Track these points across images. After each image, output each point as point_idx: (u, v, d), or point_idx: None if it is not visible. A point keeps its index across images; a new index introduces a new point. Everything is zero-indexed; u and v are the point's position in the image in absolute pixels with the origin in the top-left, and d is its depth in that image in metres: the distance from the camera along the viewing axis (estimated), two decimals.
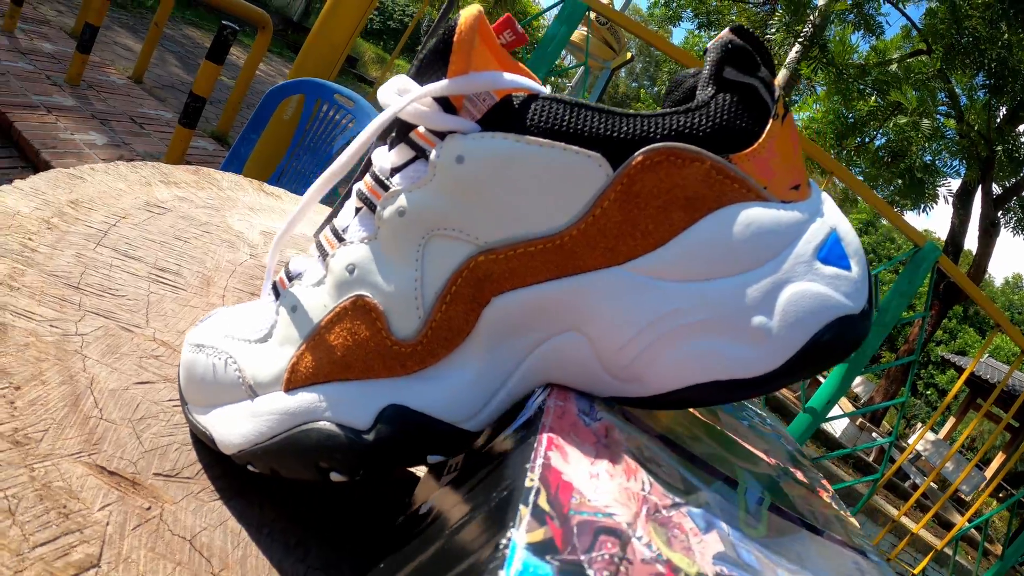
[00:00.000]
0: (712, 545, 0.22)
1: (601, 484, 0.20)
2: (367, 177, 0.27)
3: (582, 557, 0.16)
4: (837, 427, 6.59)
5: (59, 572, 0.26)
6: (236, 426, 0.30)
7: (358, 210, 0.28)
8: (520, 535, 0.15)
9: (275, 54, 8.10)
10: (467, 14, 0.25)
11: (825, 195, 0.29)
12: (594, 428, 0.24)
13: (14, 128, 2.38)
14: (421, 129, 0.26)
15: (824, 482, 0.38)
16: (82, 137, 2.59)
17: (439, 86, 0.25)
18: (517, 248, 0.25)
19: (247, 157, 1.98)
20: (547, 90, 0.27)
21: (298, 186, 1.87)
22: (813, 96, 8.19)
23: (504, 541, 0.15)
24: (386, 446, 0.26)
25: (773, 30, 7.52)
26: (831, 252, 0.27)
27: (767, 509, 0.27)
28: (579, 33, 3.44)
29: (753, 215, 0.26)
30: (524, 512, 0.16)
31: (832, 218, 0.28)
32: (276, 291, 0.30)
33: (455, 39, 0.25)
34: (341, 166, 0.27)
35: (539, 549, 0.15)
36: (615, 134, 0.25)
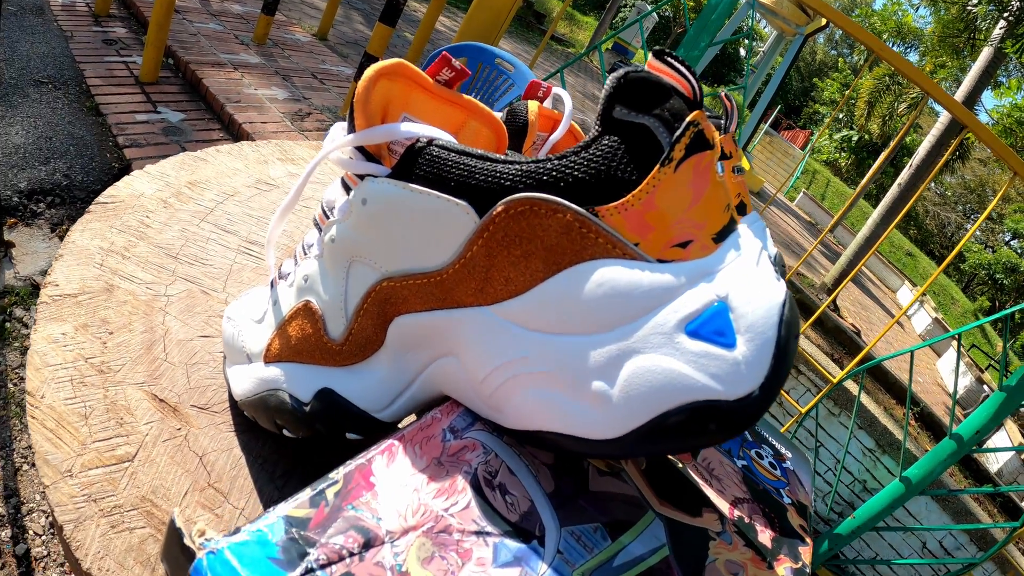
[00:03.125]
0: None
1: (400, 494, 0.24)
2: (320, 206, 0.35)
3: (319, 538, 0.20)
4: (1000, 459, 5.88)
5: (105, 460, 0.37)
6: (239, 381, 0.39)
7: (319, 230, 0.36)
8: (286, 507, 0.21)
9: (461, 8, 8.37)
10: (365, 75, 0.28)
11: (748, 253, 0.25)
12: (448, 445, 0.27)
13: (202, 84, 2.73)
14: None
15: (801, 551, 0.37)
16: (264, 92, 2.89)
17: (346, 139, 0.29)
18: (408, 279, 0.29)
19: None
20: (445, 136, 0.29)
21: None
22: (1020, 79, 7.07)
23: (273, 508, 0.21)
24: (317, 418, 0.33)
25: (975, 2, 6.56)
26: (706, 325, 0.24)
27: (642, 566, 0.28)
28: None
29: (609, 275, 0.25)
30: (306, 493, 0.22)
31: (725, 285, 0.24)
32: (272, 284, 0.39)
33: (354, 100, 0.28)
34: (294, 194, 0.33)
35: (292, 521, 0.20)
36: (482, 183, 0.26)
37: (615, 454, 0.26)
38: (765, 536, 0.36)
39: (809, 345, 1.92)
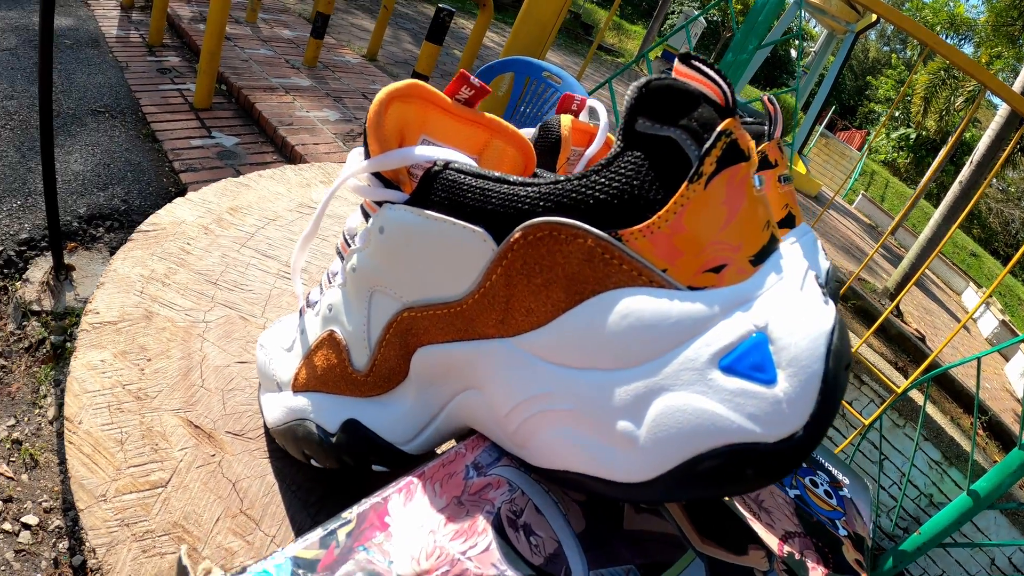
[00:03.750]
0: None
1: (417, 536, 0.23)
2: (343, 234, 0.34)
3: None
4: None
5: (140, 485, 0.37)
6: (270, 409, 0.39)
7: (341, 258, 0.35)
8: (295, 547, 0.20)
9: (508, 23, 8.44)
10: (377, 99, 0.27)
11: (791, 275, 0.23)
12: (470, 483, 0.26)
13: (255, 108, 2.82)
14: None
15: None
16: (316, 114, 2.96)
17: (359, 166, 0.28)
18: (429, 310, 0.28)
19: None
20: (463, 158, 0.28)
21: None
22: None
23: (282, 548, 0.20)
24: (343, 449, 0.32)
25: None
26: (743, 360, 0.22)
27: None
28: None
29: (634, 305, 0.23)
30: (316, 533, 0.21)
31: (764, 314, 0.22)
32: (301, 312, 0.39)
33: (366, 125, 0.27)
34: (313, 223, 0.33)
35: (300, 563, 0.20)
36: (499, 207, 0.25)
37: (644, 499, 0.24)
38: (817, 573, 0.34)
39: (871, 354, 1.84)
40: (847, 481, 0.45)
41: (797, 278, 0.23)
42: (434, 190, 0.27)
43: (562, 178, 0.24)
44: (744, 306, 0.22)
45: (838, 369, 0.22)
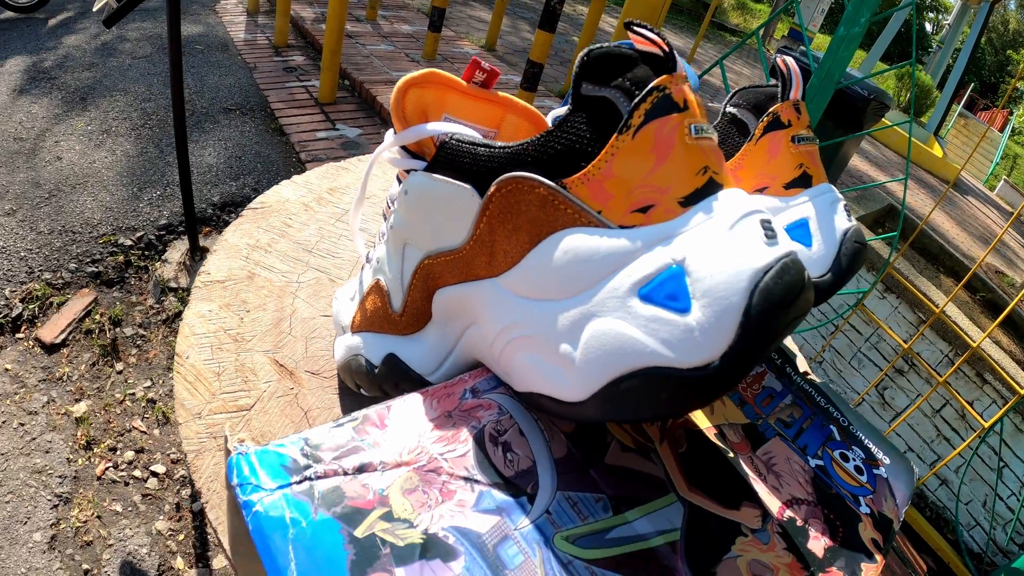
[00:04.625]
0: (465, 519, 0.25)
1: (406, 435, 0.28)
2: (387, 199, 0.41)
3: (324, 457, 0.26)
4: None
5: (228, 407, 0.46)
6: (337, 349, 0.47)
7: (385, 219, 0.42)
8: (309, 432, 0.26)
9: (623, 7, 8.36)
10: (396, 86, 0.33)
11: (723, 216, 0.25)
12: (464, 402, 0.31)
13: (376, 101, 3.00)
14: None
15: (864, 567, 0.34)
16: None
17: (387, 142, 0.34)
18: (441, 256, 0.33)
19: None
20: (467, 131, 0.32)
21: None
22: None
23: (300, 432, 0.27)
24: (384, 379, 0.39)
25: None
26: (659, 289, 0.24)
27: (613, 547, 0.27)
28: None
29: (573, 242, 0.26)
30: (329, 424, 0.27)
31: (683, 249, 0.24)
32: (363, 268, 0.46)
33: (391, 107, 0.33)
34: (361, 190, 0.40)
35: (308, 442, 0.26)
36: (482, 167, 0.29)
37: (585, 417, 0.27)
38: (819, 544, 0.34)
39: (997, 351, 1.72)
40: (887, 460, 0.44)
41: (729, 219, 0.24)
42: (442, 158, 0.32)
43: (528, 140, 0.28)
44: (665, 242, 0.25)
45: (767, 307, 0.23)
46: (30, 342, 1.61)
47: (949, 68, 9.01)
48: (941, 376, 1.53)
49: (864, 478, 0.41)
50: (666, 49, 0.26)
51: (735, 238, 0.24)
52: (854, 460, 0.42)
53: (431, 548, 0.24)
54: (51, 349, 1.60)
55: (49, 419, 1.44)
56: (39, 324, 1.65)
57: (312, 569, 0.22)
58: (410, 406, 0.30)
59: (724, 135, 0.45)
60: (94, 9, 1.47)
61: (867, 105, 2.24)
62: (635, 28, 0.26)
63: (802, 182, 0.43)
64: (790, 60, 0.44)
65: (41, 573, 1.16)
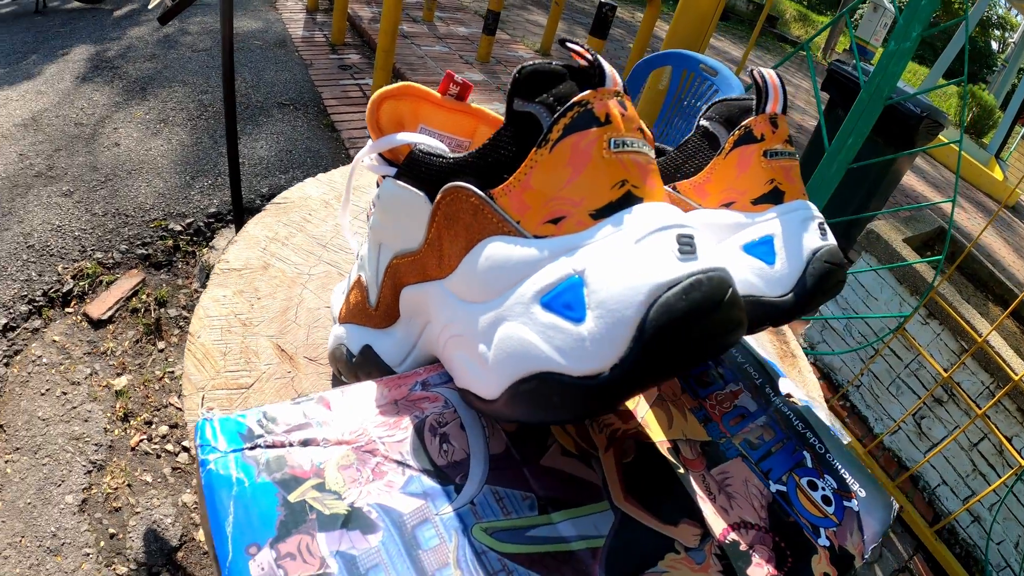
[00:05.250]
0: (391, 498, 0.28)
1: (351, 417, 0.31)
2: (371, 202, 0.45)
3: (276, 428, 0.29)
4: None
5: (229, 384, 0.51)
6: (330, 338, 0.51)
7: (368, 219, 0.46)
8: (269, 406, 0.30)
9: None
10: (371, 98, 0.35)
11: (632, 231, 0.25)
12: (413, 393, 0.34)
13: None
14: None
15: None
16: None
17: (363, 150, 0.37)
18: (405, 257, 0.36)
19: None
20: (432, 142, 0.35)
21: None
22: None
23: (262, 405, 0.31)
24: (360, 367, 0.42)
25: None
26: (558, 298, 0.25)
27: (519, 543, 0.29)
28: None
29: (493, 250, 0.28)
30: (288, 401, 0.31)
31: (584, 260, 0.25)
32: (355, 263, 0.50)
33: (366, 117, 0.36)
34: (346, 193, 0.44)
35: (267, 415, 0.29)
36: (434, 176, 0.32)
37: (499, 416, 0.28)
38: (761, 571, 0.33)
39: None
40: (862, 493, 0.42)
41: (637, 233, 0.25)
42: (406, 166, 0.35)
43: (470, 152, 0.31)
44: (570, 252, 0.26)
45: (666, 322, 0.23)
46: (78, 317, 1.71)
47: (1014, 88, 8.64)
48: (980, 408, 1.50)
49: (831, 509, 0.39)
50: (595, 65, 0.27)
51: (639, 252, 0.24)
52: (823, 489, 0.40)
53: (353, 520, 0.27)
54: (98, 325, 1.70)
55: (91, 390, 1.53)
56: (88, 300, 1.76)
57: (246, 524, 0.26)
58: (363, 392, 0.34)
59: (695, 148, 0.44)
60: (149, 7, 1.56)
61: (919, 123, 2.19)
62: (567, 44, 0.28)
63: (772, 198, 0.42)
64: (768, 72, 0.43)
65: (69, 533, 1.25)
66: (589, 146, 0.26)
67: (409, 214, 0.35)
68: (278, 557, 0.25)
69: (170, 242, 2.02)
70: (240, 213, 2.00)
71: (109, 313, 1.74)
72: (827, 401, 1.99)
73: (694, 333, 0.24)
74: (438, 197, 0.32)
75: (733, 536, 0.34)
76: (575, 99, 0.27)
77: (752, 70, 0.43)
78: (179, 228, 2.08)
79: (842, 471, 0.42)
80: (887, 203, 3.12)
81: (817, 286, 0.40)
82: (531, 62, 0.28)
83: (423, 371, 0.36)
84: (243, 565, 0.25)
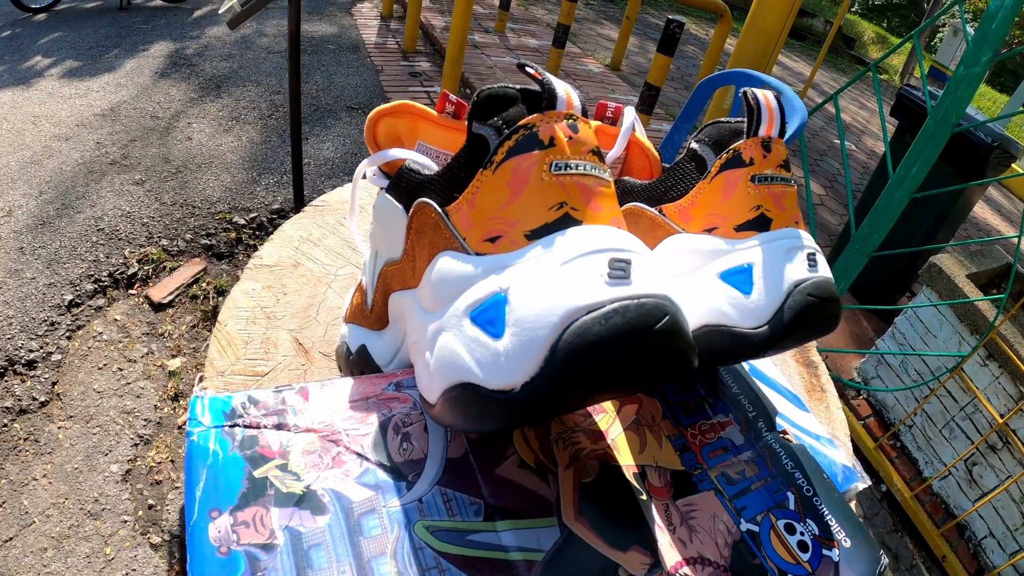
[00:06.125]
0: (344, 486, 0.30)
1: (323, 408, 0.34)
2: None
3: (256, 411, 0.33)
4: None
5: (247, 371, 0.55)
6: (338, 336, 0.55)
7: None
8: (255, 390, 0.34)
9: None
10: (370, 116, 0.38)
11: (561, 253, 0.26)
12: (385, 392, 0.36)
13: None
14: None
15: None
16: None
17: (362, 164, 0.39)
18: (391, 265, 0.39)
19: (680, 144, 2.20)
20: (419, 158, 0.37)
21: None
22: None
23: (249, 389, 0.35)
24: (355, 365, 0.46)
25: None
26: (483, 314, 0.26)
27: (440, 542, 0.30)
28: None
29: (443, 264, 0.30)
30: (272, 388, 0.35)
31: (510, 279, 0.26)
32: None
33: (364, 133, 0.38)
34: (351, 202, 0.47)
35: (251, 398, 0.33)
36: (411, 190, 0.34)
37: (441, 420, 0.30)
38: None
39: None
40: (847, 543, 0.39)
41: (565, 255, 0.26)
42: (394, 181, 0.37)
43: (439, 170, 0.33)
44: (499, 271, 0.27)
45: (580, 345, 0.23)
46: (140, 299, 1.83)
47: None
48: None
49: (806, 556, 0.38)
50: (545, 88, 0.28)
51: (563, 274, 0.25)
52: (802, 534, 0.39)
53: (307, 500, 0.30)
54: (158, 308, 1.82)
55: (145, 368, 1.63)
56: (151, 284, 1.88)
57: (213, 491, 0.30)
58: (339, 387, 0.37)
59: (683, 171, 0.43)
60: (220, 11, 1.66)
61: (989, 152, 2.10)
62: (525, 68, 0.29)
63: (757, 225, 0.40)
64: (762, 92, 0.41)
65: (111, 500, 1.34)
66: (529, 168, 0.27)
67: (393, 225, 0.37)
68: (234, 523, 0.29)
69: (233, 234, 2.13)
70: (301, 208, 2.09)
71: (170, 298, 1.85)
72: (876, 440, 1.93)
73: (613, 359, 0.24)
74: (411, 210, 0.34)
75: (686, 570, 0.34)
76: (521, 122, 0.28)
77: (743, 91, 0.41)
78: (243, 222, 2.19)
79: (828, 517, 0.40)
80: (955, 236, 3.00)
81: (796, 320, 0.37)
82: (490, 86, 0.30)
83: (400, 373, 0.39)
84: (204, 526, 0.28)
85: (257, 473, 0.31)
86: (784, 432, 0.46)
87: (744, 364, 0.54)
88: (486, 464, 0.34)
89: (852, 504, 0.49)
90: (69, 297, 1.76)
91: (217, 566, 0.27)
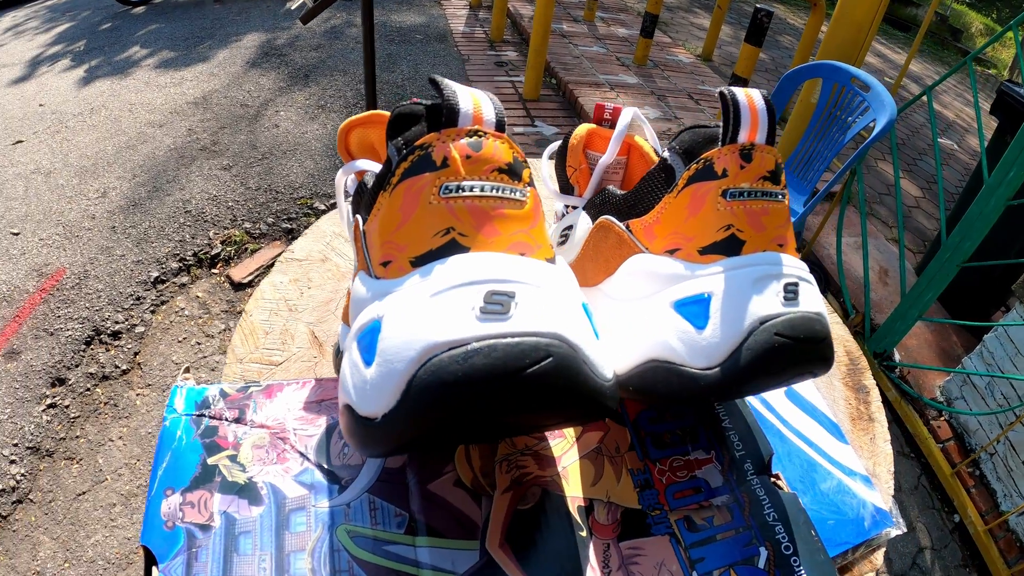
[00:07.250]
0: (283, 482, 0.33)
1: (280, 407, 0.38)
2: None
3: (223, 405, 0.36)
4: None
5: (263, 360, 0.60)
6: None
7: None
8: (226, 383, 0.38)
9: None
10: (341, 126, 0.39)
11: (435, 283, 0.25)
12: (336, 398, 0.39)
13: (578, 102, 3.14)
14: None
15: None
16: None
17: (339, 173, 0.40)
18: (356, 272, 0.40)
19: None
20: (373, 167, 0.38)
21: (806, 171, 1.92)
22: None
23: (224, 382, 0.40)
24: (340, 364, 0.50)
25: None
26: (363, 340, 0.26)
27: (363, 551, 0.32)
28: None
29: (355, 284, 0.31)
30: (241, 383, 0.39)
31: (386, 308, 0.26)
32: None
33: (337, 143, 0.39)
34: (339, 207, 0.50)
35: (222, 392, 0.37)
36: (356, 204, 0.35)
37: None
38: None
39: None
40: None
41: (436, 286, 0.25)
42: (357, 192, 0.37)
43: (370, 187, 0.33)
44: (381, 297, 0.27)
45: (434, 383, 0.23)
46: (222, 278, 1.97)
47: None
48: None
49: None
50: (445, 103, 0.27)
51: (432, 306, 0.24)
52: None
53: (247, 491, 0.34)
54: (238, 287, 1.95)
55: (222, 343, 1.76)
56: (232, 264, 2.02)
57: (173, 471, 0.34)
58: (301, 387, 0.41)
59: (652, 184, 0.38)
60: (291, 8, 1.75)
61: None
62: (435, 80, 0.28)
63: (725, 248, 0.34)
64: (748, 92, 0.35)
65: None
66: (419, 192, 0.27)
67: (350, 234, 0.38)
68: (183, 502, 0.33)
69: (313, 219, 2.25)
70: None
71: (249, 278, 1.98)
72: (954, 466, 1.83)
73: (471, 401, 0.23)
74: (353, 221, 0.35)
75: None
76: (418, 142, 0.27)
77: (720, 89, 0.35)
78: (323, 208, 2.31)
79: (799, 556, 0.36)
80: None
81: (757, 363, 0.32)
82: (404, 104, 0.29)
83: None
84: (159, 502, 0.33)
85: (210, 460, 0.35)
86: (776, 477, 0.42)
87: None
88: (422, 479, 0.35)
89: (880, 552, 0.45)
90: (155, 274, 1.92)
91: (161, 538, 0.32)
